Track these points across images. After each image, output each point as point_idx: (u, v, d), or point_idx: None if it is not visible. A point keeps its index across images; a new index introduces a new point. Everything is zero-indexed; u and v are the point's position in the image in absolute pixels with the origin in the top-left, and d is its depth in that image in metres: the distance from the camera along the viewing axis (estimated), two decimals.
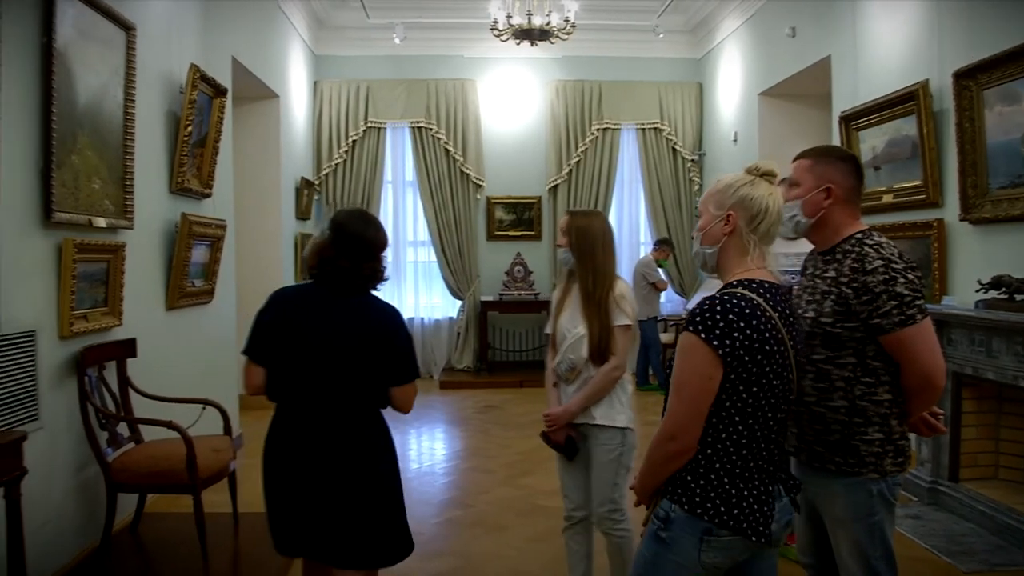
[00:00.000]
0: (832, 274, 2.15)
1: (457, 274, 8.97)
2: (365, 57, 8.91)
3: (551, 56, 8.78)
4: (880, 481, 2.12)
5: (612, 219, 9.17)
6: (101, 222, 3.74)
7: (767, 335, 1.77)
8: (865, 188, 5.49)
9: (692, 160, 9.11)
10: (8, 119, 3.01)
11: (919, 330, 2.03)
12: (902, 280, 2.03)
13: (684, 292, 9.11)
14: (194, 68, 4.71)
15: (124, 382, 3.93)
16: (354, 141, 8.80)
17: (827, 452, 2.16)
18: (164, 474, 3.52)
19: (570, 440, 2.96)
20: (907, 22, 5.04)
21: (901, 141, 5.11)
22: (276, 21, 7.19)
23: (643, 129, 9.07)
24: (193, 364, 5.02)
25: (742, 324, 1.75)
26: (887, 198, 5.27)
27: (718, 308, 1.76)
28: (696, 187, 9.12)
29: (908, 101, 4.90)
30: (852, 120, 5.62)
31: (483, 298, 8.96)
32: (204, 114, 5.04)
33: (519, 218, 9.22)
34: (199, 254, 4.97)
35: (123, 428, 3.84)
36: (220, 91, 5.18)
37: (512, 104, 9.15)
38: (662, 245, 8.41)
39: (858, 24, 5.65)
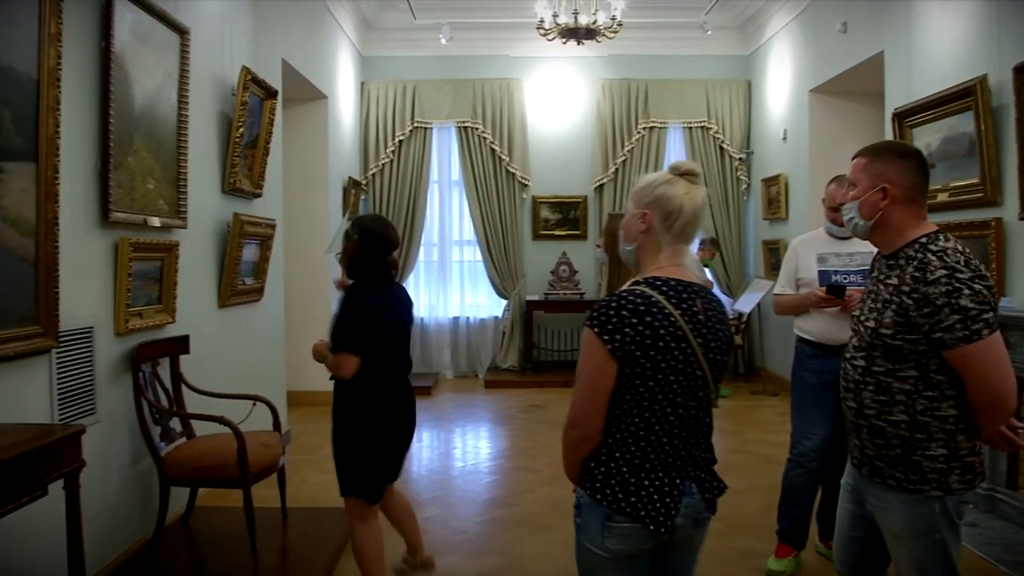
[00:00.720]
0: (895, 281, 2.05)
1: (503, 273, 8.99)
2: (411, 58, 8.97)
3: (597, 55, 8.73)
4: (944, 499, 2.01)
5: None
6: (156, 222, 3.83)
7: (662, 331, 1.80)
8: None
9: (740, 159, 8.99)
10: (68, 121, 3.09)
11: (986, 346, 1.90)
12: (967, 291, 1.89)
13: (731, 292, 8.99)
14: (245, 71, 4.80)
15: (177, 378, 4.02)
16: (400, 141, 8.87)
17: (887, 467, 2.08)
18: (215, 468, 3.59)
19: None
20: (964, 15, 4.90)
21: (957, 138, 4.97)
22: (325, 23, 7.29)
23: (690, 128, 8.97)
24: (243, 361, 5.11)
25: (634, 320, 1.79)
26: (942, 196, 5.13)
27: (613, 305, 1.82)
28: (744, 186, 8.99)
29: (965, 97, 4.76)
30: (906, 117, 5.48)
31: (528, 297, 8.96)
32: (255, 116, 5.12)
33: (565, 217, 9.19)
34: (249, 253, 5.06)
35: (176, 423, 3.92)
36: (271, 93, 5.26)
37: (558, 103, 9.13)
38: (707, 245, 8.32)
39: (912, 18, 5.51)
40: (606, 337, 1.79)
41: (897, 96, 5.68)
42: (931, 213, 5.14)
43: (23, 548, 2.86)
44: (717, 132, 8.94)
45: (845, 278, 3.52)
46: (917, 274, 1.96)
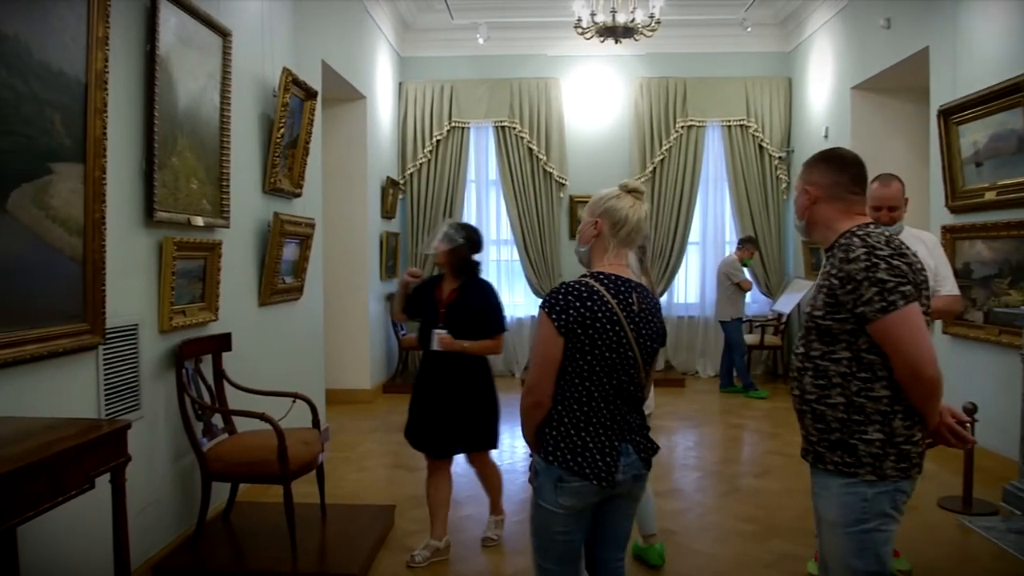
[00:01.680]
0: (827, 268, 2.13)
1: (539, 273, 8.98)
2: (449, 58, 9.00)
3: (635, 53, 8.68)
4: (877, 484, 2.03)
5: (696, 218, 9.08)
6: (199, 221, 3.89)
7: (599, 314, 2.18)
8: (965, 185, 5.29)
9: (780, 157, 8.86)
10: (115, 123, 3.16)
11: (901, 316, 1.95)
12: (884, 266, 1.97)
13: (770, 292, 8.88)
14: (286, 72, 4.86)
15: (219, 375, 4.08)
16: (438, 141, 8.91)
17: (828, 451, 2.11)
18: (256, 464, 3.63)
19: None
20: (1012, 10, 4.78)
21: (1006, 135, 4.85)
22: (363, 24, 7.34)
23: (729, 126, 8.88)
24: (283, 359, 5.18)
25: (577, 304, 2.18)
26: (990, 195, 5.01)
27: (561, 291, 2.22)
28: (784, 185, 8.87)
29: (1014, 93, 4.64)
30: (951, 114, 5.37)
31: None
32: (295, 116, 5.18)
33: None
34: (289, 252, 5.12)
35: (218, 419, 3.98)
36: (311, 94, 5.32)
37: (595, 102, 9.09)
38: (746, 244, 8.22)
39: (959, 12, 5.39)
40: (554, 316, 2.18)
41: (943, 92, 5.56)
42: (978, 212, 5.10)
43: (71, 540, 2.93)
44: (756, 130, 8.83)
45: None
46: (841, 255, 2.05)
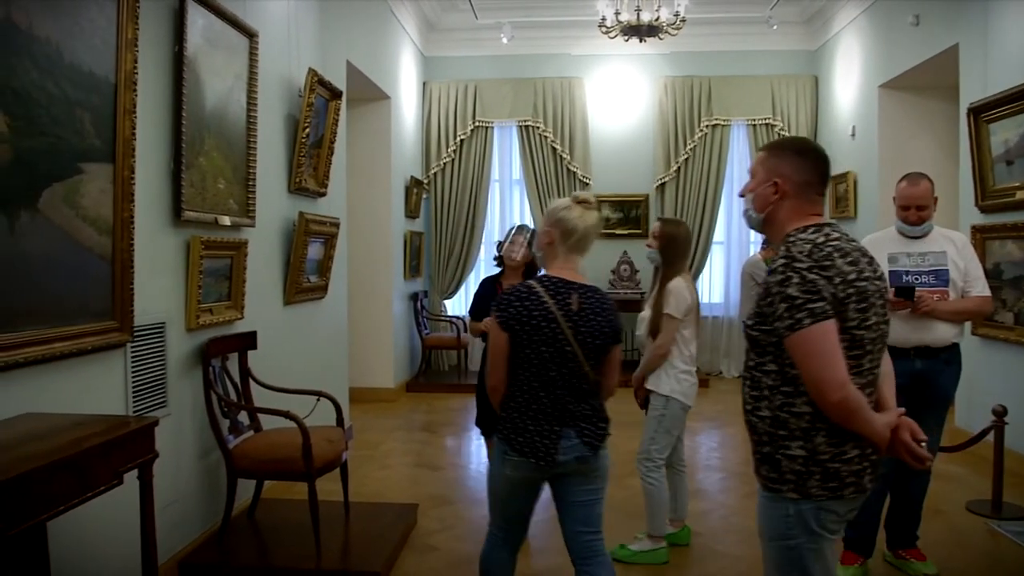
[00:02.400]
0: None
1: None
2: (473, 57, 9.01)
3: (659, 52, 8.63)
4: (800, 503, 1.93)
5: (721, 217, 9.00)
6: (226, 220, 3.92)
7: (535, 313, 2.48)
8: (995, 184, 5.20)
9: None
10: (143, 123, 3.19)
11: (805, 336, 1.83)
12: (796, 280, 1.85)
13: None
14: (312, 72, 4.88)
15: (245, 373, 4.11)
16: (462, 140, 8.91)
17: (759, 463, 2.03)
18: (281, 462, 3.65)
19: (646, 399, 3.76)
20: None
21: None
22: (388, 25, 7.37)
23: (754, 125, 8.80)
24: (307, 357, 5.21)
25: (516, 304, 2.51)
26: (1021, 194, 4.92)
27: (507, 294, 2.56)
28: None
29: None
30: (982, 112, 5.28)
31: None
32: (320, 116, 5.21)
33: (626, 216, 9.12)
34: (314, 251, 5.15)
35: (243, 417, 4.01)
36: (336, 94, 5.34)
37: (619, 101, 9.06)
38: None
39: (989, 9, 5.30)
40: (498, 314, 2.53)
41: (973, 90, 5.47)
42: (1008, 212, 5.02)
43: (99, 535, 2.96)
44: (782, 129, 8.75)
45: (916, 279, 3.40)
46: (772, 265, 1.96)
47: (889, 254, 3.47)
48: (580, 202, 2.60)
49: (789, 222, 2.02)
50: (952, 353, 3.45)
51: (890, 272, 3.43)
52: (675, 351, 3.68)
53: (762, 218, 2.09)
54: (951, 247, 3.43)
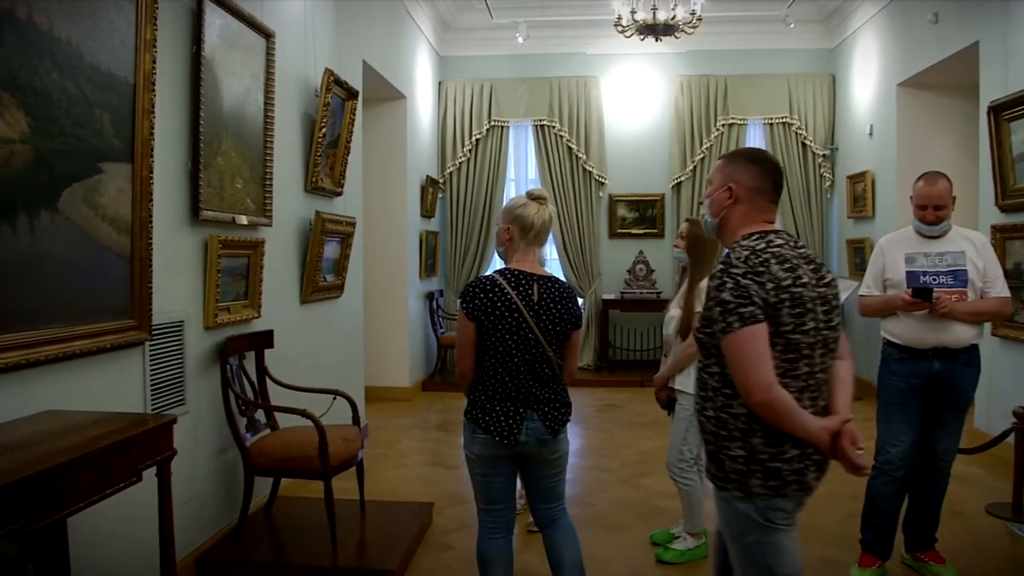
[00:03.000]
0: None
1: (578, 272, 8.95)
2: (488, 57, 9.01)
3: (675, 51, 8.60)
4: (745, 500, 2.00)
5: None
6: (243, 220, 3.94)
7: (497, 303, 2.65)
8: (1016, 183, 5.14)
9: (823, 155, 8.71)
10: (162, 123, 3.21)
11: (734, 339, 1.92)
12: (730, 285, 1.93)
13: None
14: (328, 72, 4.90)
15: (262, 371, 4.13)
16: (477, 140, 8.92)
17: (708, 461, 2.13)
18: (298, 460, 3.67)
19: (669, 399, 3.74)
20: None
21: None
22: (403, 24, 7.38)
23: (771, 124, 8.75)
24: (324, 356, 5.23)
25: (481, 295, 2.67)
26: None
27: (471, 285, 2.71)
28: (827, 183, 8.71)
29: None
30: (1002, 110, 5.22)
31: (604, 296, 8.90)
32: (337, 116, 5.23)
33: (642, 216, 9.10)
34: (330, 250, 5.17)
35: (260, 415, 4.03)
36: (352, 94, 5.36)
37: (635, 100, 9.03)
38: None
39: (1010, 6, 5.23)
40: (464, 305, 2.69)
41: (993, 89, 5.41)
42: None
43: (118, 531, 2.98)
44: (799, 128, 8.69)
45: (934, 279, 3.37)
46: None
47: (906, 254, 3.44)
48: (535, 198, 2.80)
49: (741, 227, 2.11)
50: (971, 354, 3.41)
51: (907, 272, 3.40)
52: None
53: (716, 222, 2.18)
54: (970, 247, 3.38)
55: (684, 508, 3.81)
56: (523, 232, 2.76)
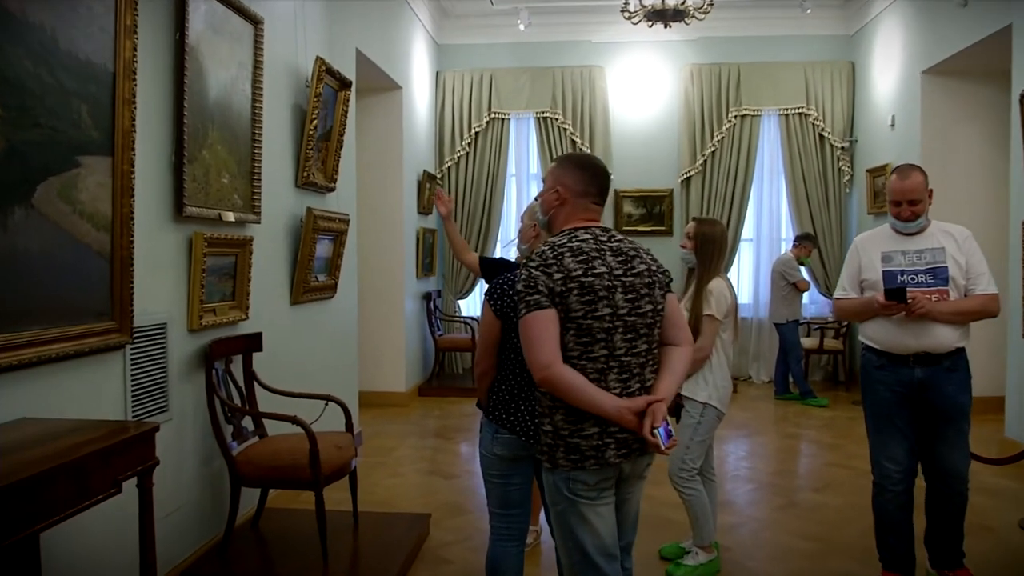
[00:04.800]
0: None
1: None
2: (488, 45, 8.99)
3: (685, 38, 8.58)
4: (554, 472, 2.32)
5: (750, 213, 8.94)
6: (230, 216, 3.93)
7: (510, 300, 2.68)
8: None
9: (842, 148, 8.69)
10: (144, 115, 3.20)
11: (523, 323, 2.27)
12: (524, 276, 2.28)
13: (830, 292, 8.70)
14: (320, 61, 4.88)
15: (250, 376, 4.12)
16: (477, 133, 8.90)
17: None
18: (287, 469, 3.66)
19: (677, 405, 3.68)
20: None
21: None
22: (399, 11, 7.37)
23: (786, 115, 8.73)
24: (315, 360, 5.21)
25: (509, 290, 2.65)
26: None
27: (497, 283, 2.71)
28: (847, 177, 8.69)
29: None
30: None
31: None
32: (329, 107, 5.21)
33: (649, 212, 9.07)
34: (322, 249, 5.15)
35: (248, 422, 4.01)
36: (345, 84, 5.35)
37: (642, 91, 9.01)
38: (804, 241, 8.05)
39: None
40: (492, 303, 2.70)
41: None
42: None
43: (96, 545, 2.97)
44: (816, 119, 8.67)
45: (912, 278, 3.28)
46: None
47: (883, 253, 3.36)
48: None
49: (564, 224, 2.45)
50: (956, 359, 3.30)
51: (884, 272, 3.32)
52: (713, 355, 3.66)
53: (547, 220, 2.52)
54: (950, 242, 3.29)
55: (691, 520, 3.78)
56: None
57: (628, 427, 2.24)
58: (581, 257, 2.28)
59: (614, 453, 2.28)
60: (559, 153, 8.79)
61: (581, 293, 2.23)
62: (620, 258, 2.32)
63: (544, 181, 2.55)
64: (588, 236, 2.35)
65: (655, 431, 2.20)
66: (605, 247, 2.33)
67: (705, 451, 3.77)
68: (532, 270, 2.27)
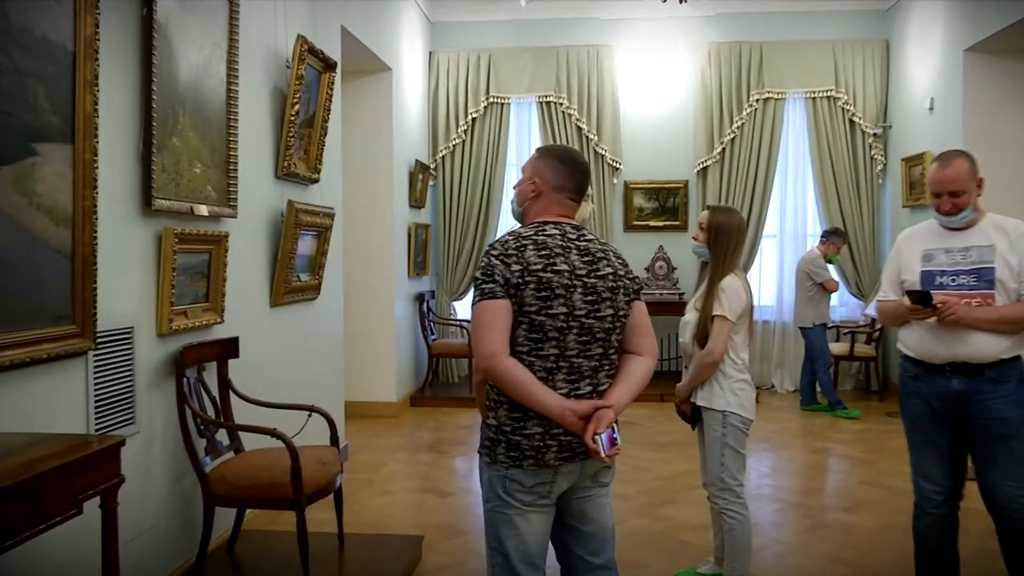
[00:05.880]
0: None
1: None
2: (487, 23, 8.99)
3: (702, 14, 8.59)
4: (492, 467, 2.45)
5: (773, 206, 8.94)
6: (203, 210, 3.92)
7: None
8: None
9: (875, 134, 8.68)
10: (107, 98, 3.19)
11: (475, 310, 2.41)
12: (483, 263, 2.42)
13: (861, 293, 8.70)
14: (301, 40, 4.87)
15: (225, 385, 4.11)
16: (474, 119, 8.90)
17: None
18: (266, 487, 3.64)
19: (693, 412, 3.73)
20: None
21: None
22: None
23: (813, 98, 8.73)
24: (297, 366, 5.21)
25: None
26: None
27: None
28: (880, 167, 8.68)
29: None
30: None
31: None
32: (312, 91, 5.20)
33: (662, 206, 9.08)
34: (305, 245, 5.15)
35: (222, 435, 4.01)
36: (329, 65, 5.34)
37: (655, 72, 9.01)
38: (832, 237, 8.03)
39: None
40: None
41: None
42: None
43: (55, 572, 2.95)
44: (847, 103, 8.67)
45: (953, 280, 3.19)
46: None
47: (924, 251, 3.28)
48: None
49: (537, 216, 2.57)
50: (1003, 369, 3.14)
51: (922, 272, 3.25)
52: (725, 359, 3.58)
53: (520, 211, 2.64)
54: (1002, 240, 3.16)
55: (727, 545, 3.65)
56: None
57: (571, 430, 2.34)
58: (544, 252, 2.41)
59: (555, 456, 2.40)
60: (564, 141, 8.83)
61: (538, 288, 2.35)
62: (586, 258, 2.45)
63: (523, 171, 2.67)
64: (556, 231, 2.48)
65: (597, 437, 2.29)
66: (572, 245, 2.46)
67: (743, 464, 3.66)
68: (492, 259, 2.41)
